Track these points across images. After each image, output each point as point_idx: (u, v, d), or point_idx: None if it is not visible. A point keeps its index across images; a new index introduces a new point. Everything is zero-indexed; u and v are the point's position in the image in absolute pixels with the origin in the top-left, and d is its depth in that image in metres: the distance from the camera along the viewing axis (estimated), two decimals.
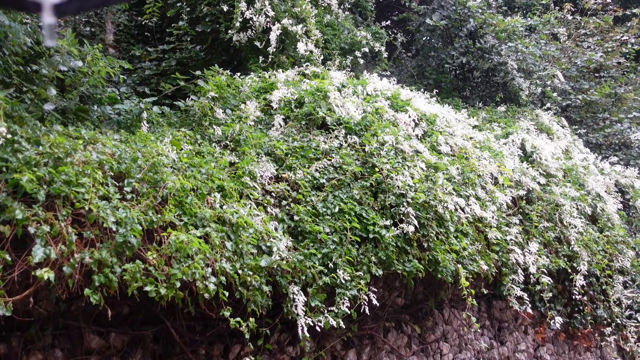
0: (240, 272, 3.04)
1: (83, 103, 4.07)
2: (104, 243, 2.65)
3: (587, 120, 9.87)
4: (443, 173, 4.70)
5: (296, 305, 3.25)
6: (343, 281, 3.52)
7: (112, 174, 2.96)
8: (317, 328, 3.35)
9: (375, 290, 3.73)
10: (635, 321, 6.17)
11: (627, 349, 6.15)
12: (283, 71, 5.50)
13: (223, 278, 2.94)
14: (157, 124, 4.45)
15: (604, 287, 5.84)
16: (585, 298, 5.70)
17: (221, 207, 3.32)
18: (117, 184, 2.96)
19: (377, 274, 3.75)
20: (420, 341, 4.70)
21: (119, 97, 4.50)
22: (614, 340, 6.05)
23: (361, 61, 7.65)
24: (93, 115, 3.99)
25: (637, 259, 6.23)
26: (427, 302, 4.71)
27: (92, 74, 4.06)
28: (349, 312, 3.50)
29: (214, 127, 4.42)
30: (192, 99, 4.86)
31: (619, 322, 6.01)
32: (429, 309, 4.77)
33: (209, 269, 2.89)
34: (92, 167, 2.83)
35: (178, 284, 2.73)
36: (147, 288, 2.65)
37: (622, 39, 10.53)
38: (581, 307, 5.76)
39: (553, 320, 5.34)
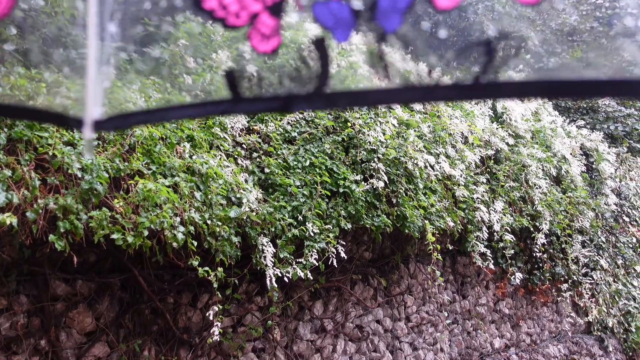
0: (209, 222, 3.04)
1: (46, 46, 3.90)
2: (69, 189, 2.60)
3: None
4: (414, 130, 4.73)
5: (265, 257, 3.28)
6: (312, 234, 3.55)
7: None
8: (285, 279, 3.40)
9: (344, 243, 3.79)
10: (590, 278, 6.47)
11: (581, 304, 6.46)
12: None
13: (192, 228, 2.94)
14: (125, 70, 4.32)
15: (563, 246, 6.07)
16: (545, 256, 5.93)
17: (190, 157, 3.28)
18: (82, 130, 2.88)
19: (346, 228, 3.80)
20: (386, 294, 4.83)
21: (84, 41, 4.33)
22: (569, 296, 6.34)
23: None
24: (57, 58, 3.84)
25: (596, 220, 6.47)
26: (394, 256, 4.82)
27: (55, 15, 3.88)
28: (317, 265, 3.55)
29: (185, 75, 4.31)
30: (161, 46, 4.71)
31: (575, 279, 6.29)
32: (396, 263, 4.88)
33: (178, 219, 2.88)
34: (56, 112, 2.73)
35: (146, 233, 2.71)
36: (114, 236, 2.63)
37: (597, 2, 10.58)
38: (541, 265, 5.99)
39: (513, 276, 5.55)
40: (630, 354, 7.14)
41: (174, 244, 2.83)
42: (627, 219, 7.21)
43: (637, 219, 7.39)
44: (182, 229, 2.87)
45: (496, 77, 0.94)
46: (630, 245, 7.23)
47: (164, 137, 3.25)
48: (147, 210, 2.80)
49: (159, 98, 3.86)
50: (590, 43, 10.53)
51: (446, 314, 5.35)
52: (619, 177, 7.29)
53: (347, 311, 4.46)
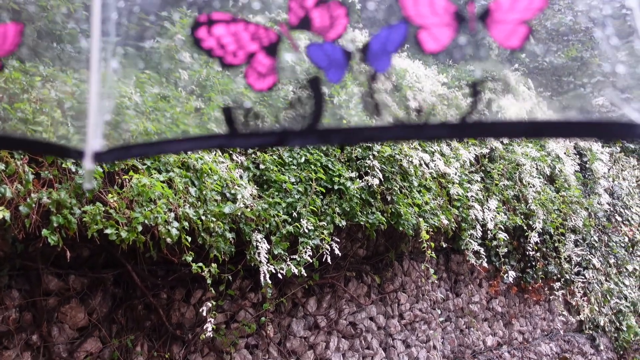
0: (203, 218, 3.03)
1: (41, 40, 3.87)
2: (63, 184, 2.58)
3: (552, 84, 10.05)
4: None
5: (259, 253, 3.28)
6: (306, 230, 3.55)
7: (73, 114, 2.86)
8: (279, 275, 3.40)
9: (338, 240, 3.80)
10: (583, 277, 6.51)
11: (573, 303, 6.50)
12: (252, 17, 5.34)
13: (186, 223, 2.93)
14: (121, 64, 4.30)
15: (556, 245, 6.10)
16: (538, 254, 5.95)
17: (185, 152, 3.27)
18: (77, 124, 2.87)
19: (340, 225, 3.80)
20: (380, 291, 4.84)
21: (80, 35, 4.30)
22: (561, 295, 6.38)
23: None
24: (52, 52, 3.81)
25: (588, 219, 6.50)
26: (388, 253, 4.83)
27: (50, 9, 3.85)
28: (311, 261, 3.56)
29: (180, 71, 4.29)
30: (157, 41, 4.69)
31: (568, 277, 6.33)
32: (389, 261, 4.89)
33: (172, 214, 2.87)
34: (51, 105, 2.72)
35: (140, 228, 2.70)
36: (108, 231, 2.62)
37: (592, 3, 10.62)
38: (534, 263, 6.02)
39: (506, 275, 5.58)
40: (621, 352, 7.19)
41: (168, 240, 2.82)
42: (619, 219, 7.26)
43: (630, 218, 7.44)
44: (176, 224, 2.86)
45: (483, 117, 0.97)
46: (623, 245, 7.28)
47: (159, 131, 3.24)
48: (141, 206, 2.79)
49: (154, 93, 3.84)
50: (585, 42, 10.57)
51: (439, 312, 5.36)
52: (612, 177, 7.33)
53: (340, 308, 4.46)
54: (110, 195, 2.71)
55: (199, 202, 3.09)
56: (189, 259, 2.96)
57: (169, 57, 4.43)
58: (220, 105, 3.89)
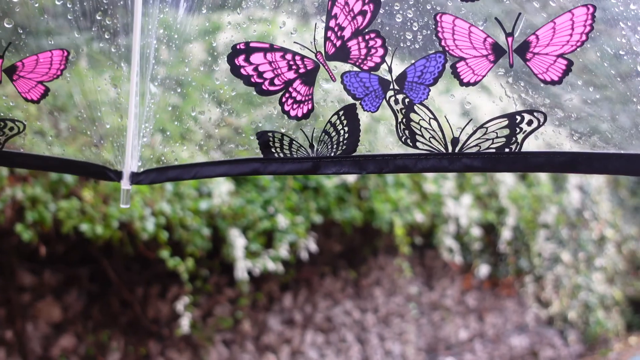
0: (180, 213, 3.05)
1: (17, 34, 3.83)
2: (38, 179, 2.58)
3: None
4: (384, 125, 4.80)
5: (235, 249, 3.31)
6: (283, 226, 3.60)
7: (48, 110, 2.85)
8: (257, 270, 3.44)
9: (315, 236, 3.85)
10: (553, 272, 6.69)
11: (543, 297, 6.69)
12: (228, 14, 5.35)
13: (162, 219, 2.95)
14: (97, 60, 4.27)
15: (527, 240, 6.26)
16: (509, 250, 6.10)
17: (162, 148, 3.28)
18: (52, 121, 2.86)
19: (316, 221, 3.85)
20: (355, 286, 4.92)
21: (56, 30, 4.26)
22: (532, 289, 6.55)
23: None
24: (27, 47, 3.77)
25: (559, 215, 6.68)
26: (363, 249, 4.90)
27: (26, 3, 3.81)
28: (288, 257, 3.60)
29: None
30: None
31: (538, 272, 6.50)
32: (365, 256, 4.97)
33: (148, 210, 2.89)
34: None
35: (116, 224, 2.72)
36: (83, 227, 2.62)
37: None
38: (505, 258, 6.17)
39: (479, 270, 5.71)
40: (589, 344, 7.42)
41: (144, 236, 2.84)
42: (588, 215, 7.46)
43: (598, 214, 7.66)
44: (152, 220, 2.88)
45: (519, 148, 0.94)
46: (591, 240, 7.49)
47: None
48: (117, 201, 2.80)
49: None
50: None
51: (414, 306, 5.47)
52: (582, 174, 7.54)
53: (316, 303, 4.52)
54: (85, 190, 2.71)
55: (176, 198, 3.10)
56: (166, 254, 2.98)
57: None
58: (197, 101, 3.90)
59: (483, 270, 5.72)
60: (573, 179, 7.11)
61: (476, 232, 5.37)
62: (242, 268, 3.31)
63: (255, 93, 1.07)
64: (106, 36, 1.34)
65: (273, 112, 1.15)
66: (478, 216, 5.48)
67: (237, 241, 3.30)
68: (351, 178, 4.08)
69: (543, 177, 6.64)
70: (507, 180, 5.98)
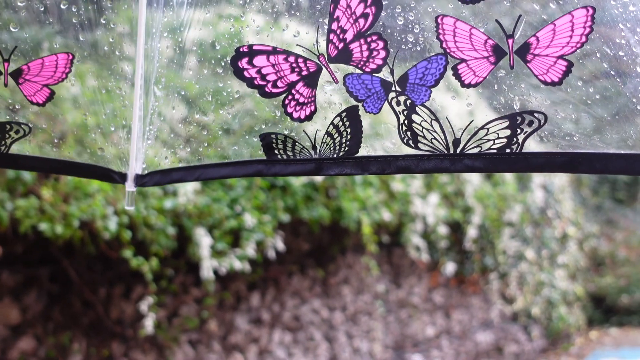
0: (144, 212, 3.00)
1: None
2: None
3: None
4: None
5: (201, 248, 3.28)
6: (250, 225, 3.58)
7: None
8: (223, 269, 3.41)
9: (282, 235, 3.84)
10: (517, 269, 6.84)
11: (508, 294, 6.83)
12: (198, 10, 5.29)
13: (126, 218, 2.89)
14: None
15: (492, 238, 6.38)
16: (475, 247, 6.21)
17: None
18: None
19: (284, 220, 3.84)
20: (323, 284, 4.93)
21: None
22: (497, 286, 6.68)
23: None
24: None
25: (523, 214, 6.83)
26: (331, 248, 4.92)
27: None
28: (255, 256, 3.58)
29: (124, 63, 4.20)
30: (99, 33, 4.56)
31: (503, 269, 6.64)
32: (333, 255, 4.98)
33: (111, 208, 2.83)
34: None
35: (76, 223, 2.65)
36: (42, 226, 2.56)
37: None
38: (471, 256, 6.27)
39: (445, 267, 5.79)
40: (552, 339, 7.62)
41: (106, 235, 2.78)
42: (551, 213, 7.65)
43: (561, 213, 7.86)
44: (115, 219, 2.82)
45: (520, 149, 0.95)
46: (554, 238, 7.69)
47: (99, 125, 3.17)
48: (78, 200, 2.73)
49: (94, 85, 3.75)
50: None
51: (381, 303, 5.51)
52: (545, 174, 7.72)
53: (284, 302, 4.52)
54: (44, 189, 2.64)
55: (140, 197, 3.05)
56: (129, 253, 2.93)
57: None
58: (163, 98, 3.84)
59: (449, 268, 5.81)
60: (537, 179, 7.28)
61: (443, 230, 5.44)
62: (208, 267, 3.28)
63: (258, 95, 1.09)
64: (110, 39, 1.36)
65: (275, 114, 1.16)
66: (445, 215, 5.56)
67: (203, 240, 3.27)
68: (318, 177, 4.09)
69: (508, 176, 6.77)
70: (473, 179, 6.08)
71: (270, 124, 1.21)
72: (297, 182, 3.96)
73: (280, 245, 3.80)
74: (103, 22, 1.33)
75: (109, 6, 1.33)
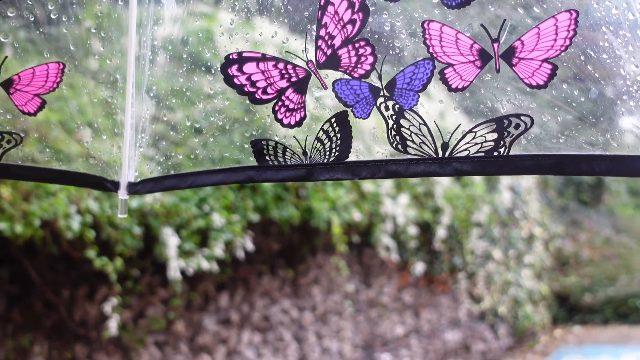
0: (108, 212, 2.94)
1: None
2: None
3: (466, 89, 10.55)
4: None
5: (168, 248, 3.22)
6: (219, 225, 3.54)
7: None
8: (191, 269, 3.37)
9: (252, 235, 3.81)
10: (484, 269, 6.95)
11: (476, 293, 6.93)
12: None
13: (89, 217, 2.83)
14: (24, 50, 4.04)
15: (460, 238, 6.47)
16: (444, 248, 6.29)
17: (92, 144, 3.15)
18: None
19: (253, 220, 3.82)
20: (293, 284, 4.91)
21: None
22: (465, 286, 6.78)
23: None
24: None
25: (491, 214, 6.94)
26: (302, 248, 4.90)
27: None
28: (223, 256, 3.55)
29: (90, 59, 4.11)
30: (65, 29, 4.45)
31: (471, 269, 6.73)
32: (303, 255, 4.97)
33: (74, 207, 2.76)
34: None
35: (37, 222, 2.58)
36: (1, 225, 2.48)
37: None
38: (440, 256, 6.35)
39: (415, 267, 5.85)
40: (518, 337, 7.77)
41: (69, 234, 2.71)
42: (518, 214, 7.80)
43: (528, 214, 8.02)
44: (78, 218, 2.75)
45: (508, 151, 0.97)
46: (521, 238, 7.84)
47: (63, 122, 3.09)
48: (40, 199, 2.66)
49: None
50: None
51: (350, 303, 5.53)
52: (512, 175, 7.87)
53: (253, 302, 4.49)
54: (3, 187, 2.56)
55: (104, 196, 2.99)
56: (93, 253, 2.86)
57: (78, 44, 4.23)
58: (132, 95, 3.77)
59: (419, 267, 5.86)
60: (505, 180, 7.42)
61: (412, 230, 5.49)
62: (174, 267, 3.23)
63: (248, 102, 1.10)
64: (101, 48, 1.37)
65: (265, 120, 1.17)
66: (414, 215, 5.61)
67: (170, 240, 3.22)
68: None
69: (477, 178, 6.88)
70: (442, 180, 6.15)
71: (251, 125, 1.21)
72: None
73: (250, 245, 3.77)
74: (94, 31, 1.32)
75: (99, 15, 1.33)
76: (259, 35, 1.13)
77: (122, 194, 1.29)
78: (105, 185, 1.31)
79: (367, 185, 5.05)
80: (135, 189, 1.34)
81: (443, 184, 6.17)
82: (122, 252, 3.02)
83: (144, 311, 3.67)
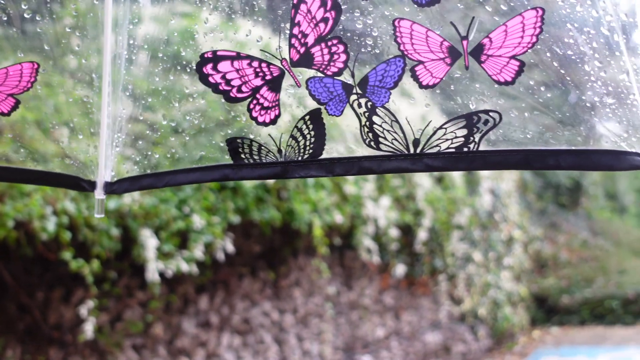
0: (85, 213, 2.88)
1: None
2: None
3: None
4: None
5: (146, 249, 3.18)
6: (198, 227, 3.50)
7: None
8: (170, 271, 3.32)
9: (232, 237, 3.78)
10: (465, 271, 7.00)
11: (456, 295, 6.98)
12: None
13: (65, 218, 2.77)
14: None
15: (441, 241, 6.51)
16: (425, 250, 6.32)
17: (68, 144, 3.09)
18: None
19: (234, 222, 3.78)
20: (274, 286, 4.89)
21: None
22: (446, 288, 6.82)
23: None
24: None
25: (471, 217, 7.00)
26: (283, 250, 4.88)
27: None
28: (203, 258, 3.51)
29: (69, 57, 4.03)
30: (40, 28, 4.36)
31: (452, 271, 6.78)
32: (284, 257, 4.95)
33: (50, 208, 2.70)
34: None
35: (11, 223, 2.52)
36: None
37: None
38: (421, 258, 6.37)
39: (396, 269, 5.86)
40: (497, 339, 7.84)
41: (44, 236, 2.65)
42: (498, 217, 7.88)
43: (507, 216, 8.11)
44: (54, 219, 2.69)
45: (477, 147, 0.98)
46: (501, 240, 7.92)
47: (39, 121, 3.02)
48: (14, 199, 2.59)
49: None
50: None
51: (332, 305, 5.52)
52: (493, 178, 7.94)
53: (233, 304, 4.45)
54: None
55: (81, 196, 2.93)
56: (68, 255, 2.80)
57: (54, 44, 4.15)
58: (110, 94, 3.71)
59: (400, 269, 5.88)
60: (485, 183, 7.49)
61: (394, 233, 5.50)
62: (153, 269, 3.18)
63: (224, 100, 1.10)
64: (76, 48, 1.35)
65: (240, 119, 1.16)
66: (396, 217, 5.62)
67: (149, 242, 3.17)
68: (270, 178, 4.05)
69: (458, 180, 6.93)
70: (424, 183, 6.18)
71: (228, 125, 1.21)
72: (249, 183, 3.91)
73: (230, 247, 3.73)
74: (69, 30, 1.30)
75: (74, 14, 1.31)
76: (234, 33, 1.13)
77: (99, 193, 1.27)
78: (82, 185, 1.29)
79: (349, 188, 5.05)
80: (112, 188, 1.33)
81: (424, 186, 6.20)
82: (99, 253, 2.96)
83: (122, 314, 3.61)
